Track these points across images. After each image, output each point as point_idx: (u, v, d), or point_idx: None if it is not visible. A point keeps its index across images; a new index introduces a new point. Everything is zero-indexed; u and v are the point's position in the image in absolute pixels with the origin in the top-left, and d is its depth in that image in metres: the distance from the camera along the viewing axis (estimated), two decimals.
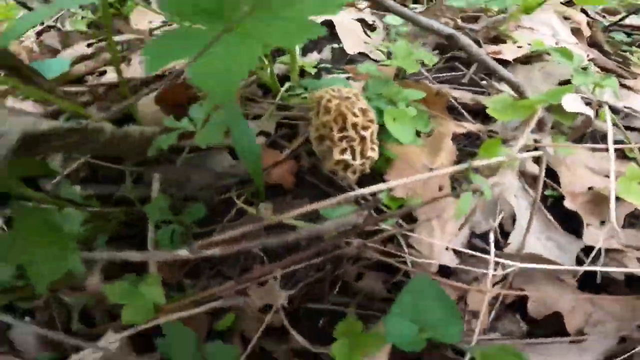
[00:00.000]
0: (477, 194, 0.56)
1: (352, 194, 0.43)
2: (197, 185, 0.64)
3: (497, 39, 0.97)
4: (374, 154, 0.52)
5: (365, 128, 0.47)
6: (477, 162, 0.52)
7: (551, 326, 0.54)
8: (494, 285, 0.54)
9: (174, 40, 0.41)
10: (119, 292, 0.43)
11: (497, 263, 0.56)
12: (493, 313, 0.54)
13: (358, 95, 0.48)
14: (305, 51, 0.97)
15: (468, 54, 0.63)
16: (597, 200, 0.64)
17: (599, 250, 0.58)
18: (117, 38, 0.99)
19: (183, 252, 0.41)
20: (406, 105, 0.60)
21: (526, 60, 0.89)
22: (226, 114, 0.57)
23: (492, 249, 0.55)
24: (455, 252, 0.56)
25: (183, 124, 0.61)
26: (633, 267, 0.57)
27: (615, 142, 0.65)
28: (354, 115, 0.45)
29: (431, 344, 0.42)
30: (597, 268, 0.55)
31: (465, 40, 0.60)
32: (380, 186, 0.47)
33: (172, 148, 0.63)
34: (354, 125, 0.46)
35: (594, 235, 0.60)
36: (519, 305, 0.55)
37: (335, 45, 0.97)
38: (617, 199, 0.61)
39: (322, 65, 0.92)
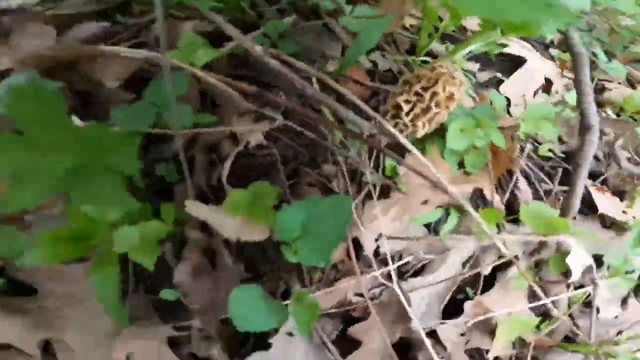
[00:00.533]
0: None
1: None
2: None
3: None
4: (421, 129, 0.55)
5: (438, 105, 0.50)
6: None
7: None
8: None
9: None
10: None
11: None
12: None
13: (462, 80, 0.50)
14: None
15: None
16: None
17: None
18: None
19: None
20: None
21: None
22: None
23: None
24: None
25: None
26: None
27: None
28: (443, 89, 0.48)
29: None
30: None
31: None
32: None
33: None
34: (434, 94, 0.49)
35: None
36: None
37: None
38: None
39: None
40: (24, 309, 0.48)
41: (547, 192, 0.77)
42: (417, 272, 0.61)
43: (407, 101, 0.51)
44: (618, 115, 0.97)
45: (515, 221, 0.68)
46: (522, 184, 0.74)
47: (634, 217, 0.76)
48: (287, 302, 0.45)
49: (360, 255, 0.54)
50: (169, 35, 0.61)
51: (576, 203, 0.64)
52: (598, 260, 0.66)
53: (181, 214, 0.49)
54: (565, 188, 0.76)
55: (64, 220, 0.46)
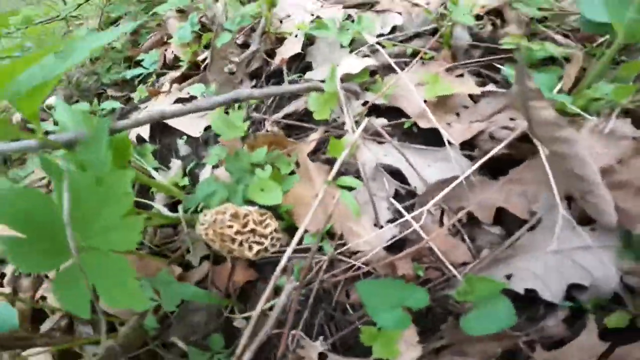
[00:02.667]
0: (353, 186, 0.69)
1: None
2: (202, 324, 0.69)
3: (279, 40, 1.05)
4: (271, 226, 0.59)
5: (245, 225, 0.55)
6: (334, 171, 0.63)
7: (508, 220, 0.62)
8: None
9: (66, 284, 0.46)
10: None
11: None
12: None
13: (219, 210, 0.54)
14: (164, 161, 0.99)
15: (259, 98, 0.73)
16: (438, 105, 0.76)
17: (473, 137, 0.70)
18: None
19: None
20: (263, 168, 0.69)
21: (310, 41, 0.99)
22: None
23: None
24: (382, 226, 0.66)
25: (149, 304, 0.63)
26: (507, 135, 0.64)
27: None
28: (229, 227, 0.53)
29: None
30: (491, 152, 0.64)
31: (244, 94, 0.69)
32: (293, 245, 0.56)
33: None
34: (237, 232, 0.54)
35: (458, 131, 0.72)
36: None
37: (185, 137, 1.02)
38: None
39: (190, 165, 0.94)
40: None
41: None
42: None
43: (250, 248, 0.56)
44: None
45: None
46: None
47: None
48: None
49: None
50: None
51: None
52: None
53: None
54: None
55: None
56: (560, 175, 0.52)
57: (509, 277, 0.54)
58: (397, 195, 0.71)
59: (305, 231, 0.64)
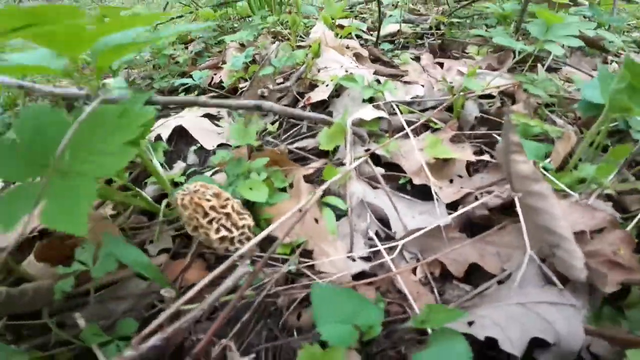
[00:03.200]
0: (340, 209, 0.70)
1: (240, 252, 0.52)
2: (120, 311, 0.65)
3: (312, 86, 1.18)
4: (246, 221, 0.61)
5: (223, 206, 0.57)
6: (323, 187, 0.66)
7: (479, 277, 0.61)
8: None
9: (11, 201, 0.46)
10: None
11: (392, 248, 0.67)
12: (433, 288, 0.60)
13: (205, 185, 0.56)
14: (170, 162, 1.06)
15: (275, 114, 0.80)
16: (434, 167, 0.81)
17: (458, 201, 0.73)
18: None
19: (128, 354, 0.41)
20: (259, 173, 0.73)
21: (337, 93, 1.10)
22: (110, 245, 0.60)
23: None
24: (354, 259, 0.66)
25: (75, 267, 0.61)
26: (491, 200, 0.67)
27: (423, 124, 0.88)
28: (208, 200, 0.56)
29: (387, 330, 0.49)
30: (465, 209, 0.65)
31: (267, 105, 0.77)
32: (261, 236, 0.56)
33: (79, 293, 0.65)
34: (212, 208, 0.56)
35: (448, 193, 0.76)
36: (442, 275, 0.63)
37: (197, 147, 1.10)
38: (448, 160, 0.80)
39: (191, 169, 1.03)
40: None
41: None
42: None
43: (217, 230, 0.56)
44: None
45: None
46: None
47: None
48: None
49: None
50: None
51: None
52: None
53: None
54: None
55: None
56: (534, 230, 0.53)
57: (470, 323, 0.52)
58: (376, 235, 0.72)
59: (275, 239, 0.64)
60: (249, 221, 0.62)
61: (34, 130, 0.48)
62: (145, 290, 0.68)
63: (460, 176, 0.84)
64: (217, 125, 1.17)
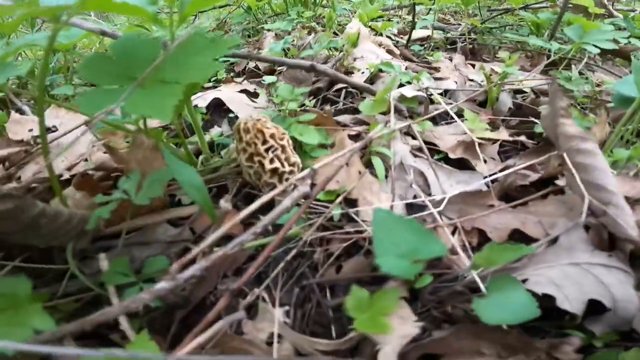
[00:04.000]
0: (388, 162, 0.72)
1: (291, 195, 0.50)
2: (146, 258, 0.61)
3: (347, 72, 1.21)
4: (297, 159, 0.63)
5: (281, 138, 0.59)
6: (371, 135, 0.67)
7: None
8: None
9: (101, 93, 0.49)
10: None
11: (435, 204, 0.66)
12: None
13: (267, 118, 0.59)
14: (205, 129, 1.09)
15: (328, 76, 0.83)
16: (468, 147, 0.82)
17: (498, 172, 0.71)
18: None
19: (162, 284, 0.37)
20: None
21: (372, 80, 1.14)
22: (167, 160, 0.57)
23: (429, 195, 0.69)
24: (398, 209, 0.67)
25: (116, 195, 0.59)
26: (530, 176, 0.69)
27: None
28: (269, 128, 0.57)
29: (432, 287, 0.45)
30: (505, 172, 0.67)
31: (321, 67, 0.80)
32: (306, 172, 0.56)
33: (104, 236, 0.63)
34: (272, 136, 0.57)
35: (484, 168, 0.76)
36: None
37: (232, 115, 1.12)
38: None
39: (225, 135, 1.05)
40: None
41: None
42: None
43: (271, 160, 0.58)
44: None
45: None
46: None
47: None
48: None
49: None
50: None
51: None
52: None
53: None
54: None
55: None
56: (584, 188, 0.54)
57: (524, 281, 0.51)
58: (415, 197, 0.73)
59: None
60: (298, 159, 0.63)
61: (127, 50, 0.53)
62: (175, 237, 0.67)
63: (492, 158, 0.86)
64: (253, 101, 1.20)
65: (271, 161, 0.57)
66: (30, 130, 1.04)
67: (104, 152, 0.89)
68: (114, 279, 0.51)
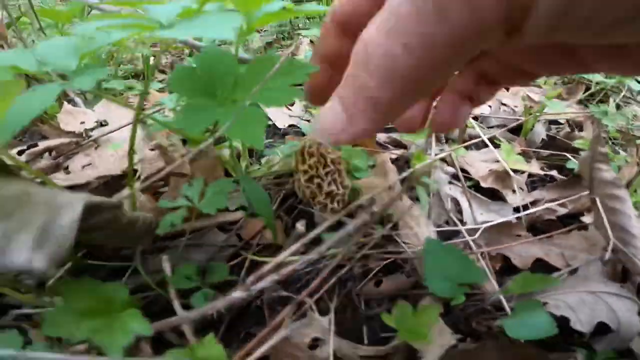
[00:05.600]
0: (428, 190, 0.81)
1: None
2: (202, 261, 0.70)
3: None
4: (349, 182, 0.72)
5: (339, 162, 0.68)
6: (415, 168, 0.77)
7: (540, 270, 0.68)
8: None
9: (195, 111, 0.57)
10: None
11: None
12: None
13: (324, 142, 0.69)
14: None
15: None
16: (499, 177, 0.92)
17: (526, 205, 0.83)
18: (44, 143, 0.97)
19: (237, 294, 0.42)
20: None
21: None
22: (224, 184, 0.67)
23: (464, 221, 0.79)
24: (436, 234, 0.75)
25: (181, 202, 0.65)
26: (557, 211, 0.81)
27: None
28: (329, 153, 0.65)
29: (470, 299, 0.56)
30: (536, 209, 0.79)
31: None
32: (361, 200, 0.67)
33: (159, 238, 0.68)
34: (333, 161, 0.66)
35: (514, 198, 0.86)
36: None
37: (270, 123, 1.23)
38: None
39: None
40: None
41: None
42: None
43: (329, 184, 0.67)
44: None
45: None
46: None
47: None
48: None
49: None
50: None
51: None
52: None
53: None
54: None
55: None
56: (609, 229, 0.63)
57: (544, 304, 0.61)
58: (447, 223, 0.83)
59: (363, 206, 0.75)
60: (349, 182, 0.72)
61: (209, 64, 0.60)
62: (224, 242, 0.74)
63: (521, 189, 0.95)
64: (289, 109, 1.30)
65: (329, 184, 0.66)
66: (82, 122, 1.12)
67: (151, 149, 0.94)
68: (180, 282, 0.59)
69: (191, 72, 0.60)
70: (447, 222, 0.83)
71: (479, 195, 0.88)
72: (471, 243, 0.67)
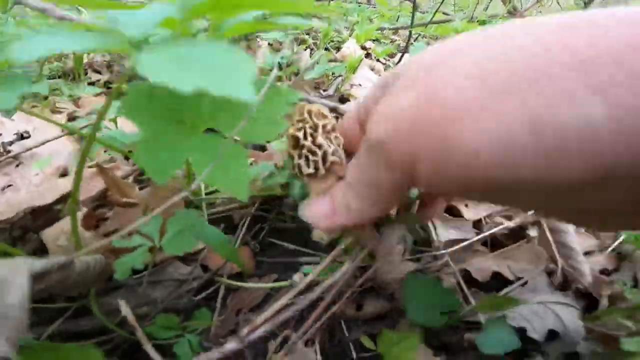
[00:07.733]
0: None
1: None
2: (166, 297, 0.66)
3: (344, 99, 1.36)
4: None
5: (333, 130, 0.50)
6: None
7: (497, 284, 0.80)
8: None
9: (160, 146, 0.46)
10: None
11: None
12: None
13: None
14: None
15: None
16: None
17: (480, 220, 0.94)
18: None
19: (232, 345, 0.42)
20: None
21: None
22: (188, 219, 0.62)
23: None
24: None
25: (138, 240, 0.60)
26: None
27: None
28: (324, 116, 0.49)
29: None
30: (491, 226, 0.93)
31: (342, 109, 0.96)
32: None
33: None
34: (325, 127, 0.48)
35: (469, 213, 1.00)
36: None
37: None
38: None
39: None
40: None
41: None
42: None
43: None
44: None
45: None
46: None
47: None
48: None
49: None
50: None
51: None
52: None
53: None
54: None
55: None
56: (550, 246, 0.76)
57: (503, 316, 0.72)
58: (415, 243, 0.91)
59: None
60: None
61: (173, 103, 0.51)
62: (186, 275, 0.70)
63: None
64: None
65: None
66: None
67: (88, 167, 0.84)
68: (160, 333, 0.58)
69: (148, 92, 0.51)
70: (415, 242, 0.91)
71: (444, 214, 0.98)
72: (442, 264, 0.77)
